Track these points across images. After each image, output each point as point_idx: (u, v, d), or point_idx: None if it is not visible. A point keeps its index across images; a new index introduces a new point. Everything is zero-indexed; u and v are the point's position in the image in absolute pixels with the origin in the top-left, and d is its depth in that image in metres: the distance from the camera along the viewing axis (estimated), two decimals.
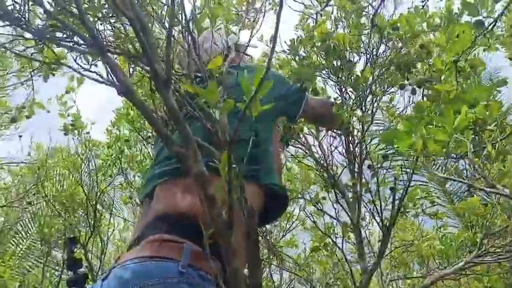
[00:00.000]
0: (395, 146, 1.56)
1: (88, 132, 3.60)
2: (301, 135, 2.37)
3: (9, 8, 1.09)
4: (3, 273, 4.25)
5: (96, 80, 1.09)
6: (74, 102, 3.46)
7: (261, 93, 0.95)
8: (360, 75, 2.01)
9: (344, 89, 2.15)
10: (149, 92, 1.23)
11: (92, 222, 3.49)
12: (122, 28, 1.23)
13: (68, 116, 3.51)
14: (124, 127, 3.44)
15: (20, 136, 4.59)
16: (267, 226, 3.92)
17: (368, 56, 2.05)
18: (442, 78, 1.65)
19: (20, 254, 5.57)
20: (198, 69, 1.31)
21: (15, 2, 1.08)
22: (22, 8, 1.08)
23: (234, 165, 0.99)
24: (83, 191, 3.60)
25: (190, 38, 1.18)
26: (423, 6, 1.73)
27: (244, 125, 1.35)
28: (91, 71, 1.17)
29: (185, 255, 1.14)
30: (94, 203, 3.52)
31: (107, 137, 3.58)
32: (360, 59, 2.08)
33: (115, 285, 1.14)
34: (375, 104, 2.13)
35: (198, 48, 1.22)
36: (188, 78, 1.22)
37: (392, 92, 2.14)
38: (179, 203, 1.28)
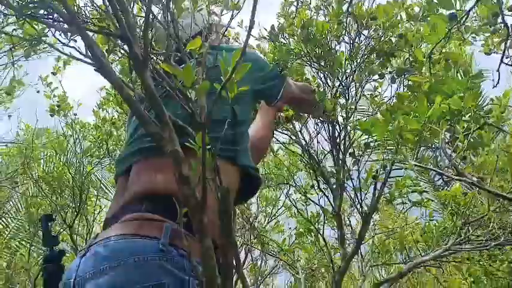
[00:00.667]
0: (371, 135, 1.58)
1: (76, 114, 3.60)
2: (288, 123, 2.39)
3: None
4: None
5: (74, 58, 1.10)
6: (60, 82, 3.45)
7: (237, 75, 0.97)
8: (336, 60, 2.02)
9: (326, 76, 2.17)
10: (128, 71, 1.24)
11: (78, 203, 3.50)
12: (102, 4, 1.23)
13: (54, 96, 3.51)
14: (113, 109, 3.45)
15: (10, 116, 4.60)
16: (253, 211, 3.96)
17: (350, 43, 2.06)
18: (423, 69, 1.67)
19: (10, 234, 5.58)
20: (178, 48, 1.32)
21: None
22: None
23: (209, 146, 1.01)
24: (69, 172, 3.60)
25: (169, 17, 1.19)
26: None
27: (223, 106, 1.37)
28: (69, 47, 1.18)
29: (166, 233, 1.15)
30: (79, 184, 3.52)
31: (94, 119, 3.59)
32: (340, 46, 2.09)
33: (94, 261, 1.15)
34: (359, 92, 2.15)
35: (177, 28, 1.23)
36: (167, 58, 1.23)
37: (375, 80, 2.16)
38: (158, 182, 1.29)
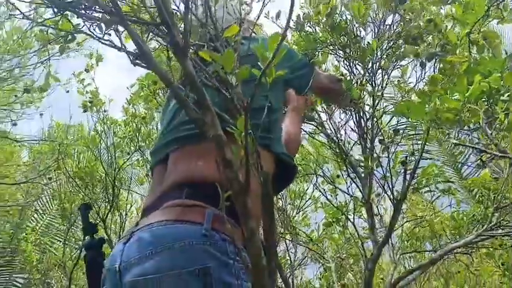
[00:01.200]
0: (408, 118, 1.58)
1: (106, 110, 3.67)
2: (313, 113, 2.39)
3: None
4: (26, 247, 4.40)
5: (114, 47, 1.12)
6: (93, 79, 3.53)
7: (276, 60, 0.98)
8: (366, 47, 2.00)
9: (352, 64, 2.15)
10: (165, 61, 1.26)
11: (111, 197, 3.55)
12: None
13: (87, 93, 3.59)
14: (139, 105, 3.50)
15: (41, 115, 4.73)
16: (281, 203, 3.97)
17: (376, 29, 2.04)
18: (457, 51, 1.65)
19: (40, 231, 5.70)
20: (211, 39, 1.34)
21: None
22: None
23: (250, 131, 1.02)
24: (102, 167, 3.67)
25: (206, 6, 1.21)
26: None
27: (259, 93, 1.38)
28: (104, 40, 1.20)
29: (208, 219, 1.16)
30: (112, 179, 3.58)
31: (123, 115, 3.65)
32: (366, 33, 2.07)
33: (139, 247, 1.16)
34: (385, 78, 2.14)
35: (215, 16, 1.25)
36: (203, 47, 1.25)
37: (402, 65, 2.14)
38: (196, 170, 1.30)
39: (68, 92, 3.70)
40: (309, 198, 4.43)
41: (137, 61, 1.25)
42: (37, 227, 5.73)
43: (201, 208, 1.20)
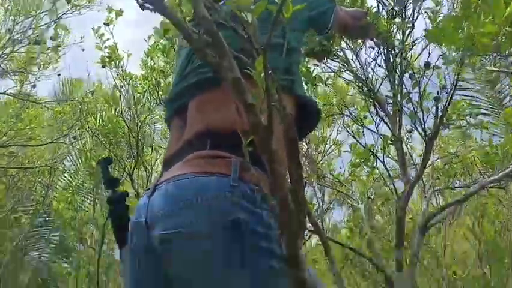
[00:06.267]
0: (440, 46, 1.46)
1: (122, 66, 3.60)
2: (338, 49, 2.27)
3: None
4: (58, 206, 4.51)
5: None
6: (112, 33, 3.43)
7: None
8: None
9: None
10: (176, 3, 1.18)
11: (136, 152, 3.55)
12: None
13: (105, 48, 3.50)
14: (158, 58, 3.42)
15: (59, 75, 4.71)
16: (306, 148, 3.93)
17: None
18: None
19: (70, 189, 5.81)
20: None
21: None
22: None
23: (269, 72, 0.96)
24: (125, 123, 3.64)
25: None
26: None
27: (276, 31, 1.28)
28: None
29: (235, 168, 1.11)
30: (136, 134, 3.56)
31: (142, 69, 3.58)
32: None
33: (166, 200, 1.13)
34: (416, 9, 2.00)
35: None
36: None
37: None
38: (219, 117, 1.24)
39: (83, 50, 3.64)
40: (333, 144, 4.39)
41: (145, 4, 1.17)
42: (68, 186, 5.85)
43: (226, 159, 1.16)
